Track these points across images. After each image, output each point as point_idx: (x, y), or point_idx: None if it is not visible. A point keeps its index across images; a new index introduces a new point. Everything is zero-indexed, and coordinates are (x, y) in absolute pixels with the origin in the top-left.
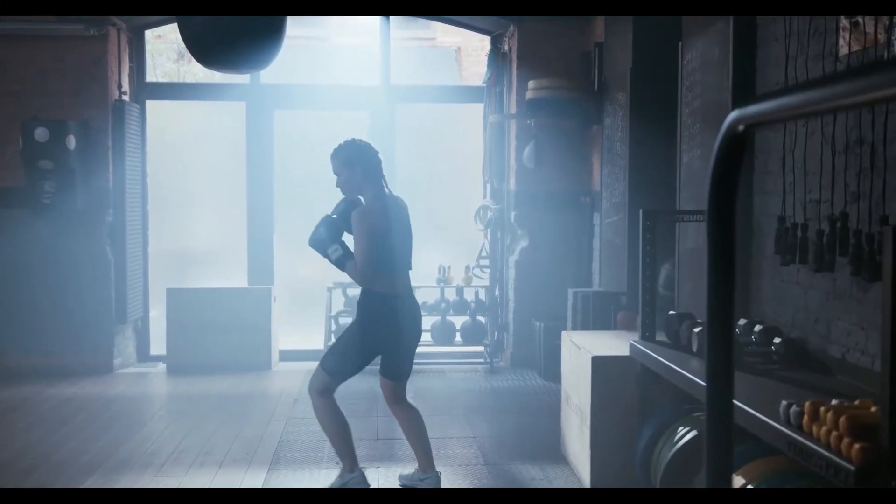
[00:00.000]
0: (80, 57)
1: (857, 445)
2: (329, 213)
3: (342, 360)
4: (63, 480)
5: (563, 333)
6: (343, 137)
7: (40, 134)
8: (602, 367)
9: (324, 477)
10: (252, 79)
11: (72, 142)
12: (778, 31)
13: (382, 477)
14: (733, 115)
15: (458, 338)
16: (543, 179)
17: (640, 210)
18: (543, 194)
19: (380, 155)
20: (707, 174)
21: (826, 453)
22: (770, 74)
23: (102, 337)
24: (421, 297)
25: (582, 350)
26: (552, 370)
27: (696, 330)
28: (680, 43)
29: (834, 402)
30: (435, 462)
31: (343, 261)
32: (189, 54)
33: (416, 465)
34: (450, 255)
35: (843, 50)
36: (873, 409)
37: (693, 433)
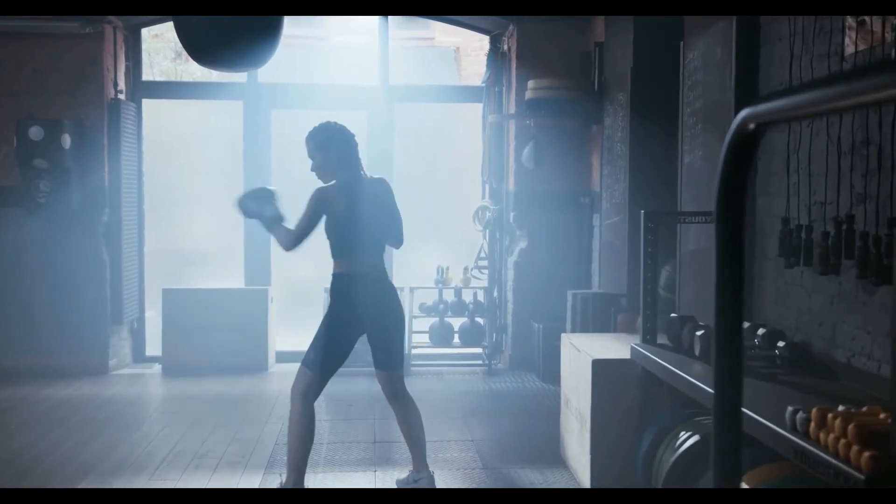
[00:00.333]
0: (76, 55)
1: (866, 454)
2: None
3: (315, 349)
4: (58, 482)
5: (563, 336)
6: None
7: (35, 133)
8: (603, 370)
9: (319, 479)
10: (249, 78)
11: (67, 141)
12: (782, 31)
13: (379, 481)
14: (744, 113)
15: (456, 339)
16: (543, 180)
17: (642, 212)
18: (543, 195)
19: (356, 137)
20: (714, 174)
21: (834, 461)
22: (773, 74)
23: (98, 337)
24: (419, 298)
25: (582, 353)
26: (551, 372)
27: (699, 333)
28: (681, 42)
29: (841, 408)
30: (432, 465)
31: (273, 223)
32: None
33: (412, 466)
34: (448, 255)
35: (850, 49)
36: (882, 416)
37: (695, 438)
